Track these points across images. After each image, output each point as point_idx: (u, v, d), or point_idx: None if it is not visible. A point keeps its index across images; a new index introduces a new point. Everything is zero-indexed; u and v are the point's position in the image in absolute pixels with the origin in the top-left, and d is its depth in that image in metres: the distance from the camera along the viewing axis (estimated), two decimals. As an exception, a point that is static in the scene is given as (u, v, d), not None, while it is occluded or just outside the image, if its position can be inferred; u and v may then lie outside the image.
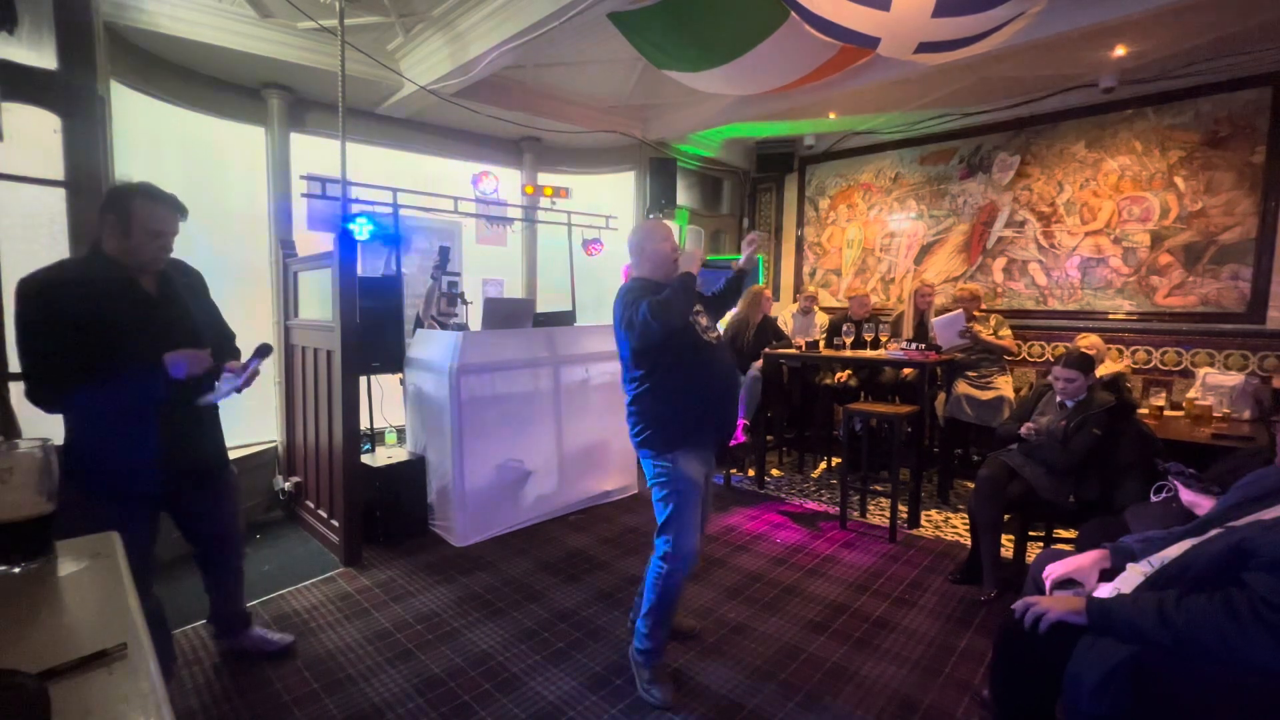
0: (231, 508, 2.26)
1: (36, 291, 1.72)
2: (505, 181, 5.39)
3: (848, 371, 4.84)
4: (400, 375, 3.88)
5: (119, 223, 1.79)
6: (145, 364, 1.75)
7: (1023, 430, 2.87)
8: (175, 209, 1.88)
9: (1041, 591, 1.73)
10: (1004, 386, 4.24)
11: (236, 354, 2.17)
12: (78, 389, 1.73)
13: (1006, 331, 4.35)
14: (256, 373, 2.02)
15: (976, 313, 4.41)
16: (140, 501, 1.89)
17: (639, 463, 2.27)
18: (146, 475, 1.87)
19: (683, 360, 2.12)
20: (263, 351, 2.02)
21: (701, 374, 2.14)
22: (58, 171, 2.59)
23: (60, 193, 2.60)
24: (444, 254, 4.10)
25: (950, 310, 4.52)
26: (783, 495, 4.36)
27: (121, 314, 1.79)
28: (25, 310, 1.71)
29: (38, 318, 1.71)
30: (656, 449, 2.14)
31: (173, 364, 1.76)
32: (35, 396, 1.73)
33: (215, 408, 2.08)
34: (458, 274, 4.82)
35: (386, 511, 3.44)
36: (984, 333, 4.26)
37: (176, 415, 1.91)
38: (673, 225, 6.05)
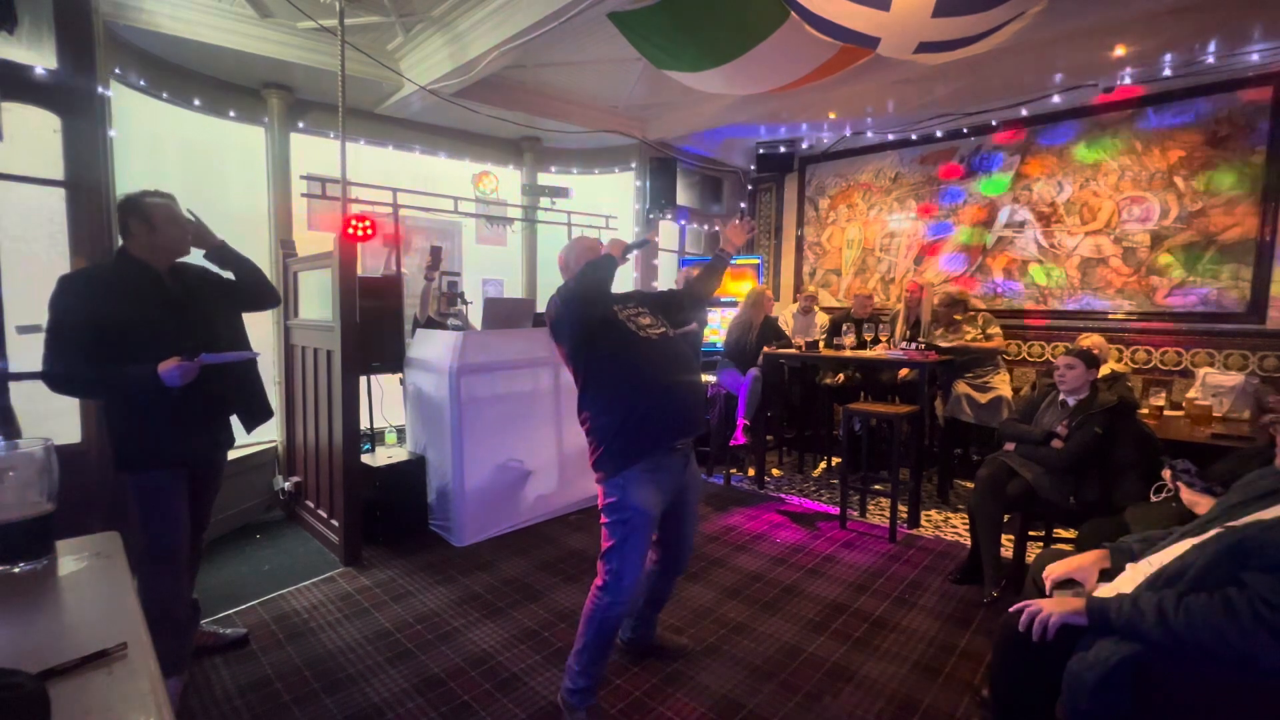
0: (215, 494, 2.32)
1: (73, 285, 1.91)
2: (505, 181, 5.40)
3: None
4: (400, 375, 3.88)
5: (143, 220, 1.98)
6: (145, 369, 1.87)
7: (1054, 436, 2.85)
8: (174, 200, 2.10)
9: (1042, 592, 1.73)
10: (1001, 386, 4.24)
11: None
12: (89, 379, 1.90)
13: (995, 329, 4.34)
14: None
15: (957, 316, 4.42)
16: (182, 472, 2.07)
17: None
18: (187, 443, 2.06)
19: (616, 361, 1.95)
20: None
21: (641, 371, 1.96)
22: (58, 171, 2.59)
23: (60, 193, 2.61)
24: (435, 254, 4.10)
25: (940, 312, 4.51)
26: (783, 495, 4.36)
27: (149, 308, 1.97)
28: (58, 303, 1.88)
29: (69, 309, 1.87)
30: (607, 470, 1.95)
31: (166, 374, 1.88)
32: (52, 380, 1.89)
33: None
34: (458, 274, 4.83)
35: (386, 511, 3.44)
36: (970, 334, 4.26)
37: (209, 393, 2.08)
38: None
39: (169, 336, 1.95)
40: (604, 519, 1.98)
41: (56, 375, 1.87)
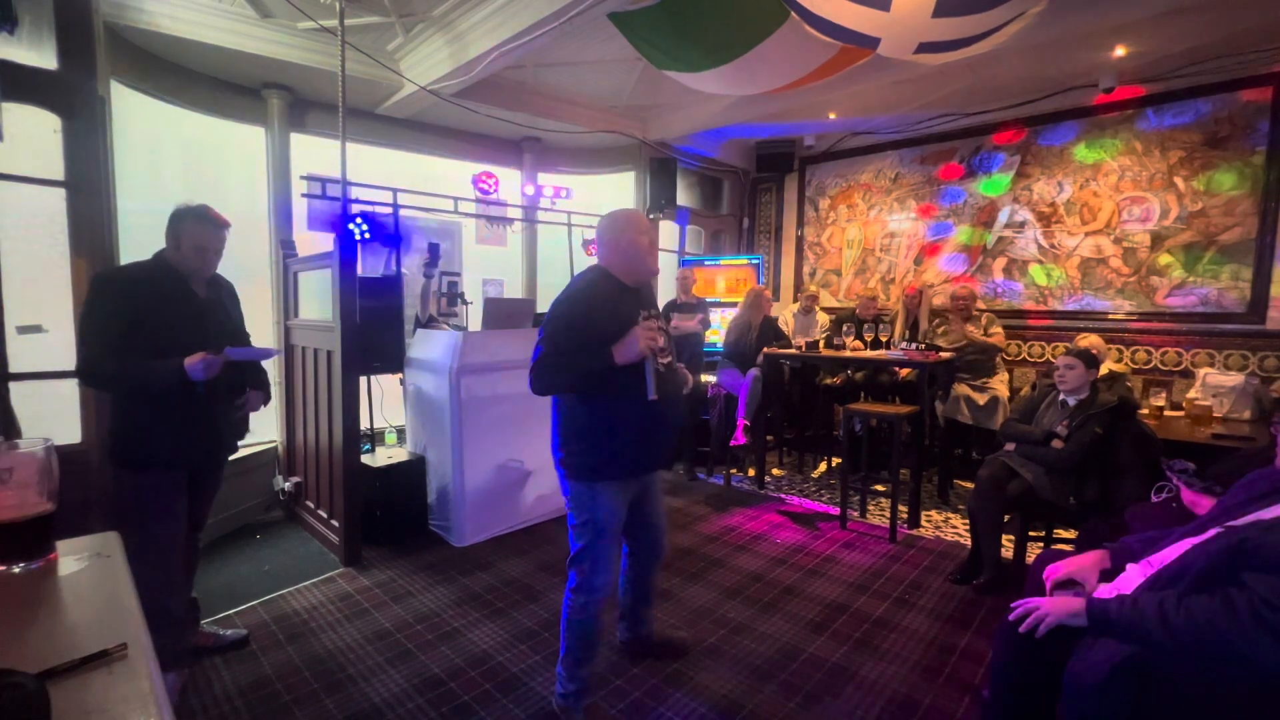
0: (214, 493, 2.35)
1: (106, 283, 2.02)
2: (505, 181, 5.39)
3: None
4: (400, 375, 3.88)
5: (173, 236, 2.10)
6: (172, 363, 1.95)
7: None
8: (220, 227, 2.16)
9: (1043, 592, 1.73)
10: (999, 387, 4.25)
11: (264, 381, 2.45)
12: (116, 373, 1.97)
13: (997, 329, 4.36)
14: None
15: (975, 311, 4.44)
16: (182, 474, 2.11)
17: None
18: (190, 449, 2.11)
19: (624, 373, 1.85)
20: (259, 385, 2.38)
21: (641, 395, 1.89)
22: (58, 171, 2.59)
23: (60, 193, 2.60)
24: (434, 251, 4.10)
25: (948, 309, 4.53)
26: (783, 495, 4.36)
27: (174, 311, 2.06)
28: (92, 298, 1.98)
29: (101, 307, 1.97)
30: (576, 475, 1.95)
31: (191, 368, 1.95)
32: (84, 375, 2.02)
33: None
34: (458, 274, 4.82)
35: (386, 511, 3.44)
36: (975, 333, 4.29)
37: (215, 398, 2.16)
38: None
39: (193, 337, 2.04)
40: (572, 520, 2.00)
41: (89, 370, 1.97)
